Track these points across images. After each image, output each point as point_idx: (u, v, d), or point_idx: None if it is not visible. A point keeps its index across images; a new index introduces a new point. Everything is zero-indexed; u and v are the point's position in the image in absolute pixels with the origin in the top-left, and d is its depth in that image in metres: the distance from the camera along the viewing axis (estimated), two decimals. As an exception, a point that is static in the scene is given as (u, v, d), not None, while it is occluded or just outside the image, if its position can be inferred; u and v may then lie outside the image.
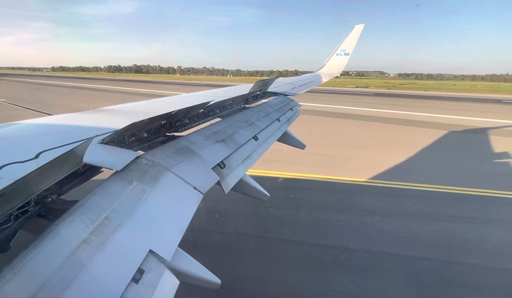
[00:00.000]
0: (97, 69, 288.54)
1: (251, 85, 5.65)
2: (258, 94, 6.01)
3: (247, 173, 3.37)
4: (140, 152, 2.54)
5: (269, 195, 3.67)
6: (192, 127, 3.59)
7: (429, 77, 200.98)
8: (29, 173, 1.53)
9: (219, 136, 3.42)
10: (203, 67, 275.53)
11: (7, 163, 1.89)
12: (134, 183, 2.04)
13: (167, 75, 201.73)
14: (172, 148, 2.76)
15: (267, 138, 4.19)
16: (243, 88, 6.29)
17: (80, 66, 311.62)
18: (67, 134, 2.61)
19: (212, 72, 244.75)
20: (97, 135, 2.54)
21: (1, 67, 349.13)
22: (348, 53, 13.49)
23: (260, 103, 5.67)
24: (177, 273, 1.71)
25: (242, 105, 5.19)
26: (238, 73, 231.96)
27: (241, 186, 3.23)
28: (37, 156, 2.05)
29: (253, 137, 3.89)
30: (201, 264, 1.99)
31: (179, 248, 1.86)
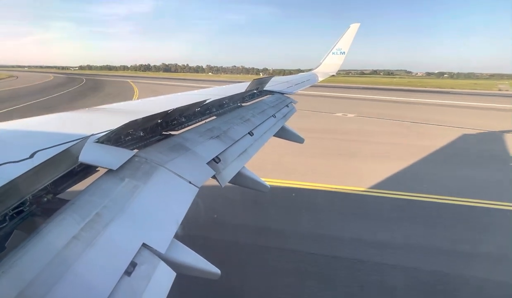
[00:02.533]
0: (124, 68, 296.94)
1: (248, 83, 5.71)
2: (255, 92, 6.02)
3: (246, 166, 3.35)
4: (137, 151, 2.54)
5: (269, 186, 3.59)
6: (188, 126, 3.58)
7: (467, 76, 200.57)
8: (24, 173, 1.52)
9: (214, 132, 3.43)
10: (232, 66, 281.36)
11: (1, 163, 1.87)
12: (126, 180, 2.05)
13: (209, 74, 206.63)
14: (166, 145, 2.77)
15: (263, 133, 4.21)
16: (240, 86, 6.32)
17: (107, 65, 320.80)
18: (63, 133, 2.59)
19: (248, 71, 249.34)
20: (93, 134, 2.52)
21: (30, 66, 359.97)
22: (344, 52, 13.55)
23: (255, 101, 5.70)
24: (174, 265, 1.70)
25: (239, 104, 5.18)
26: (264, 71, 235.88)
27: (240, 179, 3.25)
28: (32, 156, 2.04)
29: (248, 133, 3.89)
30: (199, 255, 1.98)
31: (176, 240, 1.86)
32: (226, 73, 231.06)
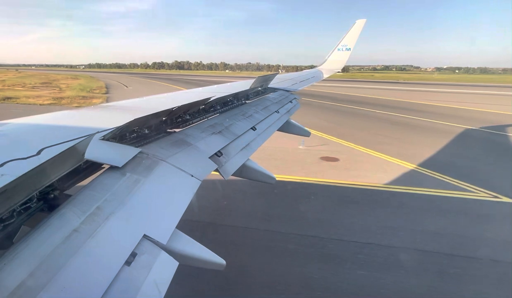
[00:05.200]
0: (134, 66, 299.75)
1: (252, 81, 5.64)
2: (259, 90, 5.98)
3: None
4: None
5: (275, 177, 3.60)
6: (193, 123, 3.58)
7: (483, 71, 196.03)
8: (31, 170, 1.53)
9: (216, 128, 3.43)
10: (247, 63, 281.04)
11: (9, 159, 1.89)
12: (127, 174, 2.06)
13: (227, 71, 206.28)
14: (168, 141, 2.78)
15: (265, 128, 4.20)
16: (244, 84, 6.26)
17: (116, 63, 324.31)
18: (69, 131, 2.61)
19: (270, 68, 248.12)
20: (98, 132, 2.54)
21: (36, 65, 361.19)
22: (350, 48, 13.30)
23: (259, 98, 5.69)
24: (177, 256, 1.71)
25: (243, 101, 5.16)
26: (278, 68, 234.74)
27: (244, 171, 3.26)
28: (39, 153, 2.05)
29: (251, 128, 3.88)
30: (203, 246, 1.96)
31: (179, 231, 1.86)
32: (241, 70, 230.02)
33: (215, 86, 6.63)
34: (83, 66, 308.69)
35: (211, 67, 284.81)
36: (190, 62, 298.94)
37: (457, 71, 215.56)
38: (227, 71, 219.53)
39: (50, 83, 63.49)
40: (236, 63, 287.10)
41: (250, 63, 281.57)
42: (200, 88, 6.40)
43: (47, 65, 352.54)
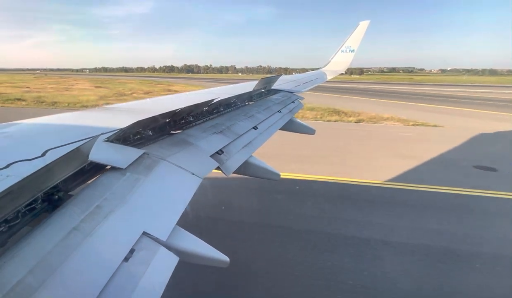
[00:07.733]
0: (141, 69, 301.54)
1: (256, 82, 5.64)
2: (263, 91, 5.97)
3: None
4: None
5: (280, 174, 3.54)
6: (196, 125, 3.57)
7: (491, 72, 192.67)
8: (36, 171, 1.54)
9: (217, 128, 3.45)
10: (258, 66, 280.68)
11: (14, 161, 1.90)
12: (127, 174, 2.06)
13: (239, 74, 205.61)
14: (168, 141, 2.79)
15: (267, 127, 4.20)
16: (248, 85, 6.26)
17: (123, 67, 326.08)
18: (74, 132, 2.62)
19: (285, 71, 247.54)
20: (102, 133, 2.54)
21: (40, 69, 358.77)
22: (353, 50, 13.14)
23: (261, 100, 5.67)
24: (178, 252, 1.70)
25: (246, 103, 5.14)
26: (285, 70, 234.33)
27: (249, 169, 3.26)
28: (44, 154, 2.07)
29: (252, 127, 3.87)
30: (206, 243, 1.92)
31: (180, 228, 1.84)
32: (253, 73, 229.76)
33: (218, 87, 6.64)
34: (88, 70, 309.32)
35: (221, 70, 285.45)
36: (199, 66, 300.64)
37: (463, 72, 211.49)
38: (239, 74, 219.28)
39: (169, 90, 55.92)
40: (246, 66, 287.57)
41: (261, 66, 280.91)
42: (204, 90, 6.47)
43: (51, 69, 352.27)
